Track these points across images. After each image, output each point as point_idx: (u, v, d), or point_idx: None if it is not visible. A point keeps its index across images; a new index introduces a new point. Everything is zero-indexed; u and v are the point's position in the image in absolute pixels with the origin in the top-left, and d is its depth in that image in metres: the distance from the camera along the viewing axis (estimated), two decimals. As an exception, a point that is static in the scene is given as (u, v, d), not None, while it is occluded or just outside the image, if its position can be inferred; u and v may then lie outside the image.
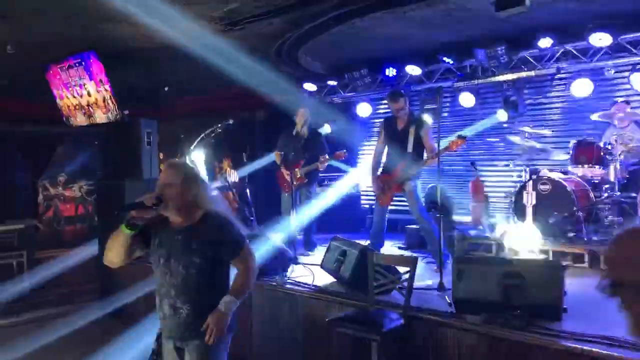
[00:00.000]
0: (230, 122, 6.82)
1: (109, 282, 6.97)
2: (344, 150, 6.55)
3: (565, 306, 3.57)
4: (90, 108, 7.00)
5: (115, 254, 2.74)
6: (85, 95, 6.88)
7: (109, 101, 6.64)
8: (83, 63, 6.44)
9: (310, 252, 6.45)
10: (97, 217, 7.85)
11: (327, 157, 6.45)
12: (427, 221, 5.49)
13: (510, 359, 3.34)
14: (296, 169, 6.41)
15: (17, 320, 6.75)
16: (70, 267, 9.02)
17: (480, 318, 3.55)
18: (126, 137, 7.02)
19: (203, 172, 6.84)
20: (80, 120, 7.31)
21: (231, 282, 2.84)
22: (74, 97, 7.07)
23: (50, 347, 5.72)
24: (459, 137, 5.16)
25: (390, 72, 7.35)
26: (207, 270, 2.72)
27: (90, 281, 7.67)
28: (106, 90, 6.53)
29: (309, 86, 8.27)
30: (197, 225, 2.74)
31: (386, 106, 8.41)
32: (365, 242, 5.25)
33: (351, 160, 8.57)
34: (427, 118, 5.96)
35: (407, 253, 5.97)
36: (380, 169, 5.93)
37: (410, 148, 5.58)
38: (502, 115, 6.89)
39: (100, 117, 6.97)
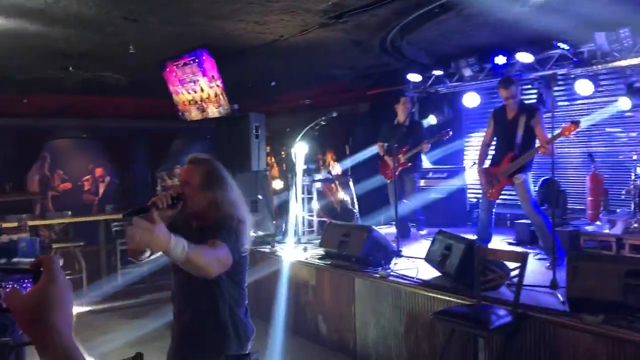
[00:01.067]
0: (334, 114, 6.88)
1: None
2: (449, 130, 6.70)
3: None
4: (203, 103, 7.36)
5: (139, 252, 2.40)
6: (198, 91, 7.24)
7: (220, 96, 6.93)
8: (197, 60, 6.77)
9: (420, 232, 6.76)
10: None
11: (429, 141, 6.61)
12: (539, 216, 5.21)
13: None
14: (399, 155, 6.58)
15: (136, 301, 7.26)
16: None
17: (598, 318, 3.32)
18: (236, 130, 7.30)
19: (301, 165, 6.99)
20: (194, 115, 7.70)
21: (242, 295, 2.54)
22: (188, 93, 7.46)
23: (157, 325, 6.08)
24: (572, 122, 4.86)
25: (500, 60, 7.03)
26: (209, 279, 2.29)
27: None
28: (218, 85, 6.82)
29: (413, 77, 8.13)
30: (208, 228, 2.43)
31: (494, 96, 8.10)
32: (471, 237, 5.10)
33: (457, 152, 8.36)
34: (537, 107, 5.66)
35: (517, 249, 5.72)
36: (488, 161, 5.73)
37: (519, 138, 5.33)
38: (624, 103, 6.37)
39: (212, 111, 7.30)
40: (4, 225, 7.01)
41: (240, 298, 2.50)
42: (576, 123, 4.82)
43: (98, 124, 10.97)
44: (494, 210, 5.65)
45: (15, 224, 7.00)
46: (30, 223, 7.60)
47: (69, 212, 8.86)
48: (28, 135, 10.39)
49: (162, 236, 1.95)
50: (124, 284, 7.86)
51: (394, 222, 6.43)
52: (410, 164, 6.75)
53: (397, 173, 6.43)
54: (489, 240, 5.64)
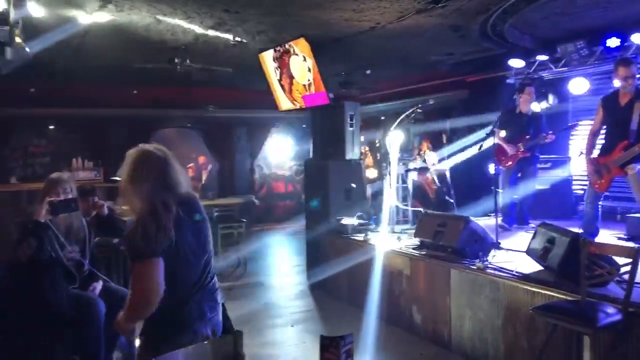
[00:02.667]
0: (431, 102, 6.77)
1: (314, 256, 7.45)
2: (577, 122, 6.79)
3: None
4: (298, 93, 7.49)
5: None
6: (294, 81, 7.38)
7: (317, 86, 7.02)
8: (294, 50, 6.89)
9: (523, 227, 6.52)
10: (305, 194, 8.41)
11: (553, 133, 6.45)
12: None
13: None
14: (519, 144, 6.57)
15: (234, 284, 7.58)
16: (282, 239, 9.89)
17: None
18: (331, 119, 7.38)
19: (396, 154, 6.94)
20: (290, 104, 7.87)
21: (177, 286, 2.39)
22: (286, 82, 7.62)
23: (254, 306, 6.40)
24: None
25: (613, 42, 6.56)
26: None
27: (300, 253, 8.29)
28: (314, 74, 6.91)
29: (515, 62, 7.78)
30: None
31: (605, 81, 7.58)
32: (576, 230, 4.83)
33: (561, 141, 7.93)
34: None
35: (628, 244, 5.34)
36: (597, 151, 5.39)
37: (634, 125, 4.96)
38: None
39: (308, 101, 7.41)
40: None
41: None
42: None
43: (201, 114, 11.52)
44: (600, 203, 5.34)
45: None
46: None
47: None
48: (138, 124, 11.11)
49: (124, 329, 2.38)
50: (224, 267, 8.24)
51: (492, 214, 6.24)
52: (529, 154, 6.60)
53: (515, 162, 6.56)
54: (595, 234, 5.34)
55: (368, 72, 8.82)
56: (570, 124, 6.82)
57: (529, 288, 4.23)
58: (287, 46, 6.98)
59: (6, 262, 3.53)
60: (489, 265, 4.80)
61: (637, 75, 5.22)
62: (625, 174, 5.02)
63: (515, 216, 6.75)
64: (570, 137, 8.10)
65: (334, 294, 6.87)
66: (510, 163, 6.66)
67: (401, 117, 6.92)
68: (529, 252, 4.72)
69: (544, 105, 7.88)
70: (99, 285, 3.89)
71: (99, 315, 3.62)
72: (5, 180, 10.29)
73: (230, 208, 9.27)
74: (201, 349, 2.19)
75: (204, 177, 12.38)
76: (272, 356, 4.82)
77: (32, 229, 3.37)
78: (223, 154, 12.16)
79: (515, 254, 5.05)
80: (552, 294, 3.99)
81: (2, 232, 8.82)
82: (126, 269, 4.11)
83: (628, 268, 3.45)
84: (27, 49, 5.22)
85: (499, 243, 5.39)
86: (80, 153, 10.70)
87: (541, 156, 7.34)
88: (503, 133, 6.75)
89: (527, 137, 6.60)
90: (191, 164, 12.45)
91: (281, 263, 8.85)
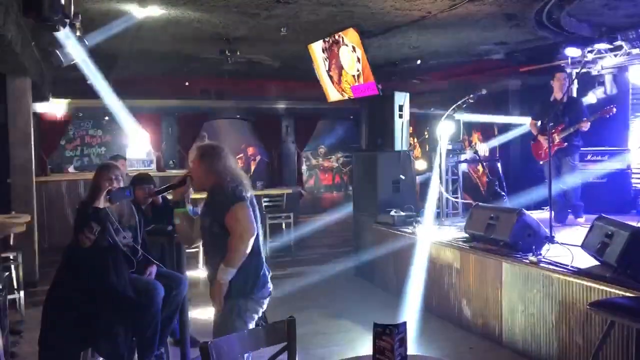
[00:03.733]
0: (483, 92, 6.62)
1: (361, 247, 7.46)
2: (612, 105, 6.21)
3: None
4: (348, 84, 7.48)
5: (182, 233, 3.24)
6: (344, 72, 7.36)
7: (366, 76, 6.99)
8: (343, 41, 6.88)
9: (578, 219, 6.36)
10: (352, 186, 8.42)
11: (589, 119, 6.14)
12: None
13: None
14: (554, 135, 6.17)
15: (283, 273, 7.67)
16: (329, 230, 9.93)
17: None
18: (380, 110, 7.33)
19: (445, 145, 6.83)
20: (338, 95, 7.86)
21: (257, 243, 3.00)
22: (334, 73, 7.62)
23: (301, 295, 6.47)
24: None
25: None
26: (215, 234, 2.92)
27: (346, 244, 8.31)
28: (364, 65, 6.88)
29: (572, 51, 7.52)
30: (207, 194, 3.03)
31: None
32: (636, 224, 4.65)
33: (619, 132, 7.64)
34: None
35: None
36: None
37: None
38: None
39: (356, 92, 7.38)
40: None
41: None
42: None
43: (250, 106, 11.64)
44: None
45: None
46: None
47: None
48: (189, 115, 11.34)
49: (223, 282, 2.83)
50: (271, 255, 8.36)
51: (546, 207, 6.07)
52: (566, 143, 6.30)
53: (552, 153, 6.08)
54: None
55: (418, 62, 8.70)
56: (604, 110, 6.30)
57: (584, 283, 4.11)
58: (336, 37, 6.96)
59: (69, 248, 3.66)
60: (543, 260, 4.69)
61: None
62: None
63: (565, 212, 6.51)
64: (630, 128, 7.80)
65: (380, 284, 6.87)
66: (546, 157, 6.23)
67: (452, 108, 6.80)
68: (585, 246, 4.58)
69: (600, 94, 7.61)
70: (154, 270, 4.00)
71: (158, 298, 3.73)
72: (62, 169, 10.71)
73: (278, 198, 9.37)
74: (255, 334, 2.23)
75: (252, 168, 12.56)
76: (320, 344, 4.86)
77: (93, 215, 3.49)
78: (271, 145, 12.27)
79: (570, 248, 4.91)
80: (609, 289, 3.87)
81: (61, 219, 9.23)
82: (179, 254, 4.22)
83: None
84: (86, 42, 5.41)
85: (553, 237, 5.25)
86: (134, 143, 11.03)
87: (598, 148, 7.10)
88: (534, 125, 6.55)
89: (561, 126, 6.30)
90: (240, 155, 12.65)
91: (328, 253, 8.89)
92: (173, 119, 11.33)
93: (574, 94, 7.64)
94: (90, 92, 7.98)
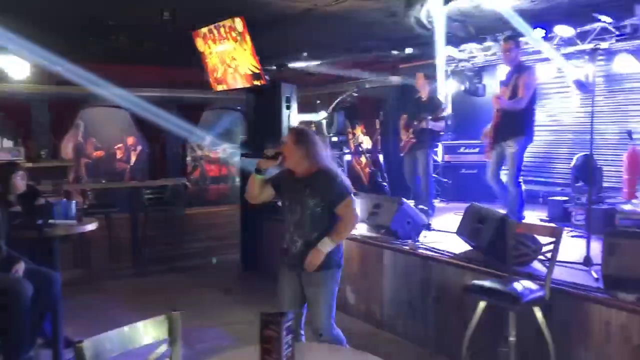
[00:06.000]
0: (366, 85, 6.82)
1: (249, 239, 7.41)
2: (443, 105, 6.73)
3: None
4: (234, 74, 7.35)
5: (252, 193, 3.49)
6: (230, 60, 7.23)
7: (252, 67, 6.91)
8: (229, 29, 6.75)
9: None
10: (240, 177, 8.31)
11: (425, 118, 6.37)
12: (516, 186, 5.35)
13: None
14: (409, 130, 6.57)
15: (168, 266, 7.43)
16: (216, 223, 9.75)
17: (634, 296, 3.27)
18: (267, 101, 7.29)
19: (330, 138, 6.96)
20: (225, 85, 7.71)
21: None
22: (220, 62, 7.46)
23: (187, 288, 6.39)
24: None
25: (538, 33, 6.84)
26: (317, 213, 3.32)
27: (233, 236, 8.20)
28: (250, 55, 6.79)
29: (448, 50, 7.98)
30: (310, 177, 3.35)
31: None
32: (503, 211, 5.03)
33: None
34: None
35: (551, 225, 5.63)
36: None
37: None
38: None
39: (243, 82, 7.29)
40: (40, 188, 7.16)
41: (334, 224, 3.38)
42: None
43: (131, 93, 11.06)
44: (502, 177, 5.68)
45: (50, 188, 7.14)
46: (67, 187, 7.77)
47: (102, 180, 9.02)
48: (63, 103, 10.55)
49: (324, 251, 3.28)
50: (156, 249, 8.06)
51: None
52: (415, 140, 6.53)
53: (408, 147, 6.57)
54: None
55: (305, 54, 8.77)
56: (440, 109, 6.62)
57: (458, 267, 4.39)
58: (222, 25, 6.82)
59: None
60: (421, 246, 4.94)
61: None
62: (493, 147, 5.45)
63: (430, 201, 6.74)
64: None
65: (267, 276, 6.84)
66: (403, 149, 6.70)
67: (336, 101, 6.95)
68: (459, 232, 4.89)
69: (461, 89, 8.14)
70: (21, 268, 3.69)
71: (24, 298, 3.45)
72: None
73: (160, 190, 9.01)
74: (134, 330, 2.11)
75: (133, 159, 11.99)
76: (206, 338, 4.75)
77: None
78: (153, 135, 11.75)
79: (446, 234, 5.21)
80: (481, 272, 4.15)
81: None
82: (52, 250, 3.93)
83: (550, 247, 3.64)
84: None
85: (430, 224, 5.55)
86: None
87: (469, 141, 7.57)
88: (403, 120, 6.82)
89: (416, 122, 6.55)
90: (119, 145, 12.03)
91: (215, 245, 8.74)
92: (45, 106, 10.47)
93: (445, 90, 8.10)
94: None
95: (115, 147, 12.12)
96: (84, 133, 10.93)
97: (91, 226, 4.69)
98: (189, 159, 12.43)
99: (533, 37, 6.66)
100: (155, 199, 8.72)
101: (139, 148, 11.90)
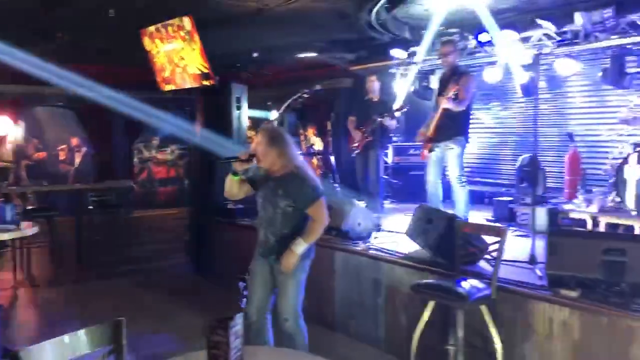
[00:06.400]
0: (317, 87, 6.81)
1: (198, 241, 7.27)
2: (403, 106, 6.75)
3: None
4: (182, 73, 7.22)
5: (230, 192, 3.64)
6: (179, 60, 7.09)
7: (201, 67, 6.80)
8: (178, 28, 6.62)
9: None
10: (188, 179, 8.17)
11: (385, 115, 6.47)
12: (461, 186, 5.52)
13: (610, 335, 3.17)
14: (362, 131, 6.65)
15: (114, 270, 7.21)
16: (163, 226, 9.54)
17: (575, 293, 3.38)
18: (217, 102, 7.19)
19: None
20: (173, 85, 7.56)
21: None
22: (169, 61, 7.31)
23: (132, 294, 6.24)
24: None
25: (484, 37, 7.01)
26: (289, 212, 3.47)
27: (181, 240, 8.05)
28: (199, 55, 6.68)
29: (397, 52, 8.08)
30: (283, 177, 3.47)
31: (478, 72, 8.12)
32: (452, 211, 5.13)
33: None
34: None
35: (497, 225, 5.77)
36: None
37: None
38: (605, 83, 6.43)
39: (192, 82, 7.16)
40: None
41: (305, 223, 3.52)
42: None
43: (75, 93, 10.69)
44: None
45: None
46: (6, 190, 7.45)
47: (45, 182, 8.70)
48: (1, 101, 10.11)
49: (297, 252, 3.43)
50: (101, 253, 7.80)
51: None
52: (371, 138, 6.61)
53: (360, 148, 6.66)
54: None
55: (255, 55, 8.70)
56: (399, 107, 6.81)
57: (408, 267, 4.43)
58: (170, 23, 6.68)
59: None
60: (371, 247, 4.97)
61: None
62: (432, 149, 5.60)
63: (379, 201, 6.83)
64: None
65: (217, 280, 6.75)
66: (358, 149, 6.78)
67: (288, 102, 6.91)
68: (409, 233, 4.94)
69: (410, 90, 8.28)
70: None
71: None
72: None
73: (106, 193, 8.75)
74: (76, 339, 2.02)
75: (77, 161, 11.59)
76: (153, 345, 4.63)
77: None
78: (99, 136, 11.40)
79: (396, 235, 5.26)
80: (429, 272, 4.21)
81: None
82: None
83: (496, 246, 3.72)
84: None
85: (381, 225, 5.59)
86: None
87: (420, 143, 7.66)
88: (351, 121, 6.90)
89: (369, 124, 6.63)
90: (63, 146, 11.60)
91: (162, 249, 8.55)
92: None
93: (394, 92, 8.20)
94: None
95: (58, 148, 11.67)
96: (26, 133, 10.50)
97: (31, 230, 4.51)
98: (135, 160, 12.11)
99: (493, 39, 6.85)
100: (101, 202, 8.48)
101: (84, 149, 11.50)
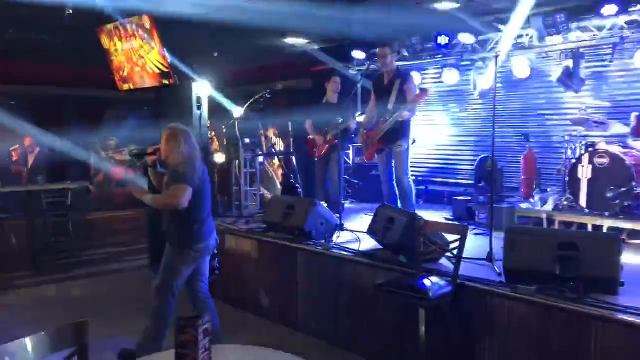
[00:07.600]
0: (279, 87, 6.82)
1: (158, 243, 7.15)
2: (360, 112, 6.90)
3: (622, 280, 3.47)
4: (141, 72, 7.10)
5: (160, 186, 4.09)
6: (137, 59, 6.97)
7: (161, 66, 6.71)
8: (137, 26, 6.50)
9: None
10: (147, 180, 8.00)
11: (350, 118, 6.54)
12: (407, 181, 5.71)
13: (565, 329, 3.28)
14: (327, 134, 6.65)
15: (69, 275, 7.04)
16: (122, 228, 9.35)
17: (532, 289, 3.49)
18: (176, 102, 7.10)
19: (243, 140, 6.93)
20: (131, 84, 7.43)
21: (200, 213, 3.96)
22: (127, 60, 7.17)
23: (92, 297, 6.13)
24: (421, 89, 5.75)
25: (443, 40, 7.16)
26: None
27: (141, 242, 7.91)
28: (158, 54, 6.59)
29: (358, 54, 8.17)
30: (171, 168, 3.91)
31: (434, 74, 8.29)
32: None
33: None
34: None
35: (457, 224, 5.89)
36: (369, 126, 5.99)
37: (391, 104, 5.60)
38: (558, 86, 6.66)
39: (151, 81, 7.06)
40: None
41: (195, 212, 3.92)
42: (425, 90, 5.77)
43: (28, 91, 10.38)
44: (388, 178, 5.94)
45: None
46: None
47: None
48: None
49: (137, 194, 4.00)
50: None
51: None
52: (336, 141, 6.58)
53: (323, 152, 6.66)
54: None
55: (215, 54, 8.63)
56: (359, 113, 7.01)
57: (370, 266, 4.48)
58: (129, 22, 6.56)
59: None
60: (334, 246, 5.00)
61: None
62: (382, 150, 5.75)
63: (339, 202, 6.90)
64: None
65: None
66: (322, 153, 6.74)
67: (249, 102, 6.89)
68: (370, 232, 5.00)
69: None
70: None
71: None
72: None
73: (61, 195, 8.50)
74: (37, 341, 1.98)
75: (30, 161, 11.22)
76: (117, 346, 4.53)
77: None
78: (54, 135, 11.06)
79: (358, 234, 5.31)
80: (392, 270, 4.27)
81: None
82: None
83: (457, 244, 3.81)
84: None
85: (343, 224, 5.63)
86: None
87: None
88: (310, 125, 6.87)
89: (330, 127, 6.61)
90: (15, 147, 11.22)
91: (121, 252, 8.38)
92: None
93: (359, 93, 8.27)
94: None
95: (11, 148, 11.27)
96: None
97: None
98: (92, 161, 11.81)
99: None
100: (56, 204, 8.23)
101: (37, 149, 11.15)
